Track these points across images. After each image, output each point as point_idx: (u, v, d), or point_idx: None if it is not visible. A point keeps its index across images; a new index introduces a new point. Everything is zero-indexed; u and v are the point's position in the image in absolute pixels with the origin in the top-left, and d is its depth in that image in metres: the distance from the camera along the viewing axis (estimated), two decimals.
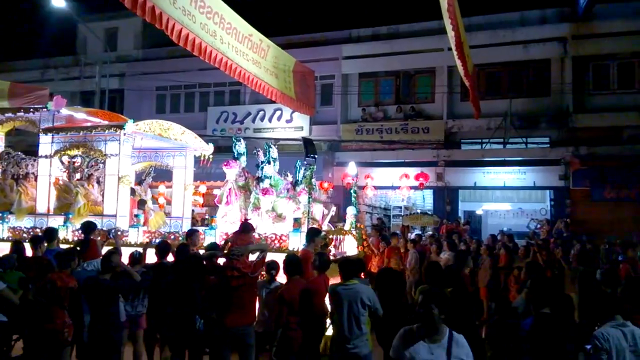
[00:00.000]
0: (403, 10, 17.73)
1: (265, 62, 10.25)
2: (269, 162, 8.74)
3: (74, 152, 9.01)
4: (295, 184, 9.10)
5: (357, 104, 18.20)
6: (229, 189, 8.38)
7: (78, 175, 9.41)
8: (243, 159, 8.67)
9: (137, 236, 8.09)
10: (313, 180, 9.13)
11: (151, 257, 6.46)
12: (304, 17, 19.43)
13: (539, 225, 14.47)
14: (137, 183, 10.43)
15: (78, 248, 6.33)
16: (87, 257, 6.24)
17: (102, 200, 8.89)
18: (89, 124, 9.00)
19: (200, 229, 8.14)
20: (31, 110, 9.03)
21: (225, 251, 5.56)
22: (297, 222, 7.58)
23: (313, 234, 6.87)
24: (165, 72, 19.01)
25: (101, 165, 9.39)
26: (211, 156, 10.49)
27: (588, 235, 12.42)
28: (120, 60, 20.51)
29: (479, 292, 9.70)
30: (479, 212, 17.57)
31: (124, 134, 8.54)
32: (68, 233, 8.35)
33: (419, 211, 16.55)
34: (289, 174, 9.35)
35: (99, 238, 7.61)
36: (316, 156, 9.22)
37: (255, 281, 5.34)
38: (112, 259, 5.36)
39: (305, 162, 9.12)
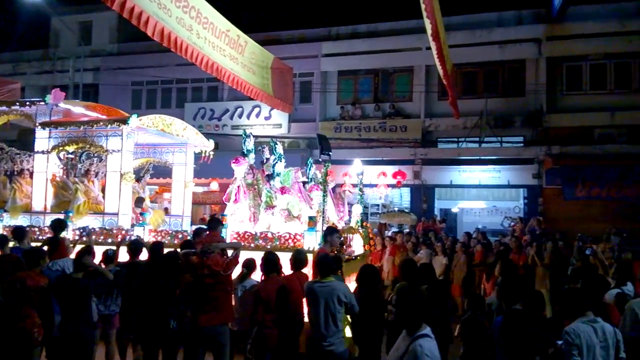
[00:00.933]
0: (382, 9, 17.77)
1: (242, 58, 10.15)
2: (279, 160, 8.52)
3: (73, 147, 8.63)
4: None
5: (335, 102, 18.23)
6: (238, 187, 8.11)
7: (73, 172, 9.11)
8: (252, 156, 8.41)
9: (143, 235, 7.75)
10: (328, 178, 8.91)
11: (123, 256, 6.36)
12: (283, 14, 19.32)
13: (512, 223, 14.75)
14: (135, 180, 10.19)
15: (46, 247, 6.15)
16: (55, 256, 6.07)
17: (103, 198, 8.58)
18: (85, 119, 8.66)
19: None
20: (27, 103, 8.66)
21: (197, 249, 5.50)
22: (312, 221, 7.28)
23: (329, 233, 6.82)
24: (142, 67, 18.72)
25: (96, 160, 9.06)
26: (212, 152, 10.22)
27: (560, 233, 12.71)
28: (94, 54, 20.10)
29: (454, 289, 9.87)
30: (454, 210, 17.83)
31: (129, 129, 8.25)
32: (69, 232, 7.94)
33: (396, 209, 16.73)
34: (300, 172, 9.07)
35: (71, 237, 7.43)
36: (331, 153, 9.05)
37: (228, 280, 5.27)
38: (84, 259, 5.26)
39: (320, 159, 8.92)
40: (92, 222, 8.29)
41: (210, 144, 10.22)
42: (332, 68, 18.05)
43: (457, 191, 17.32)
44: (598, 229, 13.05)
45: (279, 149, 8.67)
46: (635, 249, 10.90)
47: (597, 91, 15.65)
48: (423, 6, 8.43)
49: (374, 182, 16.79)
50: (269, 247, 7.01)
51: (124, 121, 8.15)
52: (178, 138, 9.56)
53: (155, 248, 6.06)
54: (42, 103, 8.47)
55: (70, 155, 9.16)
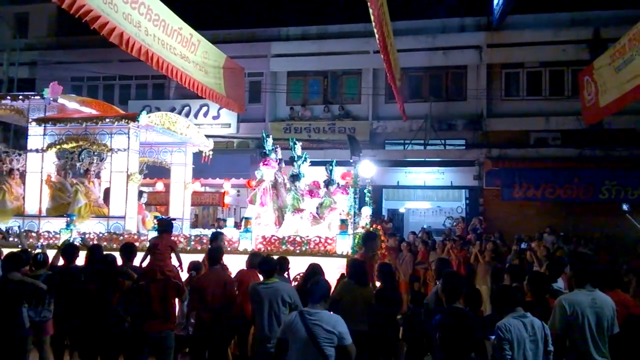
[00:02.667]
0: (332, 12, 17.97)
1: (195, 57, 9.99)
2: (305, 160, 8.26)
3: (71, 146, 8.04)
4: (328, 183, 8.45)
5: (285, 103, 18.22)
6: (264, 189, 7.81)
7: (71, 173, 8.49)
8: (273, 156, 8.13)
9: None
10: (359, 180, 8.61)
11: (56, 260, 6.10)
12: (233, 12, 19.10)
13: (454, 223, 15.32)
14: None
15: None
16: None
17: (104, 200, 8.06)
18: (81, 115, 8.10)
19: (226, 230, 7.54)
20: (20, 97, 8.02)
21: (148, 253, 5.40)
22: (344, 224, 7.00)
23: (369, 238, 6.54)
24: (82, 62, 17.91)
25: (97, 159, 8.49)
26: (211, 152, 9.81)
27: (499, 232, 13.34)
28: (31, 47, 19.03)
29: (401, 286, 10.14)
30: (401, 210, 18.28)
31: (138, 127, 7.77)
32: (72, 238, 7.36)
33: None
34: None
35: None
36: (361, 154, 8.82)
37: (176, 286, 5.20)
38: (10, 275, 5.01)
39: (351, 161, 8.67)
40: (96, 226, 7.75)
41: (210, 143, 9.80)
42: (282, 69, 18.03)
43: (403, 192, 17.77)
44: (534, 228, 13.83)
45: (298, 149, 8.41)
46: (569, 246, 11.64)
47: (533, 97, 16.47)
48: (371, 10, 8.61)
49: None
50: (297, 251, 6.73)
51: (134, 118, 7.65)
52: (181, 137, 9.09)
53: (93, 252, 5.86)
54: (37, 97, 7.86)
55: (72, 155, 8.52)
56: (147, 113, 7.92)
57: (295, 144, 8.38)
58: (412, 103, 16.62)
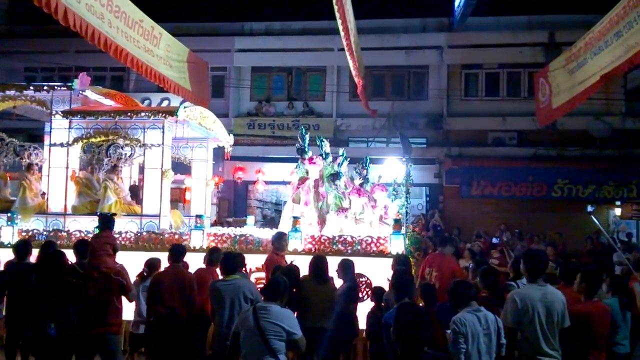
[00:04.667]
0: (297, 8, 17.91)
1: (158, 50, 9.77)
2: (345, 159, 8.06)
3: (99, 140, 7.61)
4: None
5: (249, 98, 18.08)
6: (308, 188, 7.60)
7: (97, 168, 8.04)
8: (310, 153, 7.94)
9: (202, 240, 7.00)
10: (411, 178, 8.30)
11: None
12: (195, 5, 18.75)
13: (415, 220, 15.62)
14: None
15: None
16: None
17: (134, 198, 7.72)
18: (105, 108, 7.69)
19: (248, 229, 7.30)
20: (44, 88, 7.54)
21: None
22: (397, 224, 6.81)
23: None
24: (36, 51, 17.22)
25: (125, 155, 8.05)
26: (231, 148, 9.50)
27: (458, 229, 13.73)
28: None
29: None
30: None
31: (176, 122, 7.44)
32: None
33: None
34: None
35: None
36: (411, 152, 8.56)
37: (118, 284, 4.98)
38: None
39: (403, 160, 8.43)
40: (128, 225, 7.40)
41: (231, 138, 9.49)
42: (246, 64, 17.87)
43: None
44: (491, 225, 14.31)
45: (326, 147, 8.21)
46: (523, 243, 12.10)
47: (491, 97, 16.95)
48: (336, 7, 8.65)
49: (287, 180, 16.88)
50: (349, 252, 6.52)
51: (172, 113, 7.29)
52: (208, 132, 8.72)
53: (45, 249, 5.66)
54: (62, 88, 7.44)
55: (95, 149, 8.06)
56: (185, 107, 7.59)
57: (322, 141, 8.21)
58: (375, 101, 16.80)
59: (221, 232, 7.55)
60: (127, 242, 7.06)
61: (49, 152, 7.82)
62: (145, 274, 5.81)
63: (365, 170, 8.55)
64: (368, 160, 8.44)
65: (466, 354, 3.69)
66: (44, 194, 8.03)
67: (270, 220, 14.94)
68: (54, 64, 17.52)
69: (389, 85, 17.72)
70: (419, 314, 3.05)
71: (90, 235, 6.95)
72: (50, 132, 7.73)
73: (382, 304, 5.11)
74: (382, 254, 6.57)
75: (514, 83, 17.08)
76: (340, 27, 9.20)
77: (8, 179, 8.34)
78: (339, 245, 6.72)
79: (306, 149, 8.04)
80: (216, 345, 4.84)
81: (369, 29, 16.78)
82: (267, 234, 7.49)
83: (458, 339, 3.69)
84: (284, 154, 17.10)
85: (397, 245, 6.64)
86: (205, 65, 13.02)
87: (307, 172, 7.97)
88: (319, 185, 7.78)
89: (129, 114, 7.50)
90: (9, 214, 7.39)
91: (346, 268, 5.45)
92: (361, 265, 5.91)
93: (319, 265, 5.22)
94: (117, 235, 6.97)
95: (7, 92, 7.67)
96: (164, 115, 7.41)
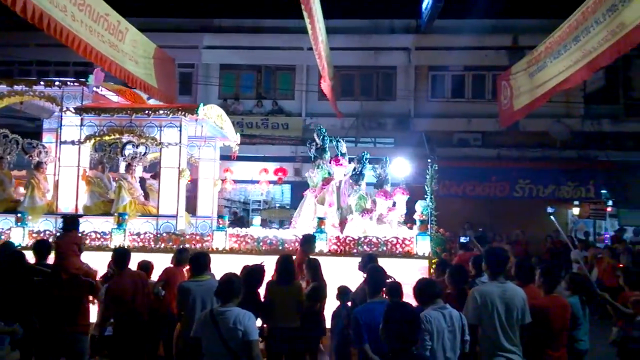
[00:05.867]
0: (267, 6, 17.81)
1: (123, 45, 9.52)
2: (367, 160, 8.00)
3: (112, 138, 7.45)
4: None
5: (217, 96, 17.88)
6: (332, 190, 7.54)
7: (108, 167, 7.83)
8: (328, 155, 7.87)
9: (225, 242, 6.81)
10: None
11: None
12: (162, 0, 18.39)
13: None
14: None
15: None
16: None
17: (147, 198, 7.55)
18: (116, 105, 7.54)
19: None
20: (56, 84, 7.24)
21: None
22: (424, 225, 6.77)
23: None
24: None
25: (140, 153, 7.86)
26: (238, 147, 9.32)
27: None
28: None
29: None
30: None
31: (196, 121, 7.25)
32: (126, 239, 6.74)
33: (277, 205, 16.96)
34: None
35: None
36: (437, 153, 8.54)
37: (87, 284, 4.95)
38: None
39: (429, 160, 8.34)
40: (143, 225, 7.18)
41: (237, 137, 9.29)
42: (214, 61, 17.68)
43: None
44: (456, 224, 14.61)
45: (343, 147, 8.07)
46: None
47: (457, 99, 17.34)
48: (303, 6, 8.67)
49: (256, 179, 16.84)
50: (374, 253, 6.36)
51: (192, 111, 7.10)
52: (220, 131, 8.54)
53: (2, 249, 5.48)
54: (75, 84, 7.21)
55: (107, 147, 7.86)
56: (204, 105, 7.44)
57: (339, 142, 8.10)
58: (344, 101, 16.91)
59: (243, 233, 7.44)
60: (146, 243, 6.92)
61: (57, 149, 7.57)
62: (109, 275, 5.68)
63: (383, 171, 8.59)
64: (388, 161, 8.39)
65: (431, 351, 3.78)
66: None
67: (239, 219, 14.81)
68: (12, 58, 16.88)
69: (357, 85, 17.87)
70: (410, 314, 3.07)
71: (109, 237, 6.93)
72: (60, 129, 7.49)
73: (349, 302, 5.17)
74: (408, 255, 6.57)
75: (479, 85, 17.50)
76: (308, 26, 9.21)
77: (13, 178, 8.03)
78: (365, 247, 6.70)
79: (326, 149, 7.93)
80: (181, 345, 4.79)
81: (339, 29, 16.86)
82: (285, 234, 7.43)
83: (424, 336, 3.77)
84: (253, 152, 17.04)
85: (424, 246, 6.63)
86: (172, 61, 12.80)
87: (329, 173, 7.95)
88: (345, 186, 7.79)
89: (147, 111, 7.30)
90: (18, 214, 7.09)
91: (312, 268, 5.47)
92: (386, 266, 5.95)
93: (284, 266, 5.17)
94: (135, 236, 6.95)
95: (16, 87, 7.39)
96: (183, 113, 7.25)
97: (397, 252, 6.67)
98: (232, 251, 6.85)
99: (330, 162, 7.98)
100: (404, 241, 6.77)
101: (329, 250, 6.77)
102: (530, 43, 13.79)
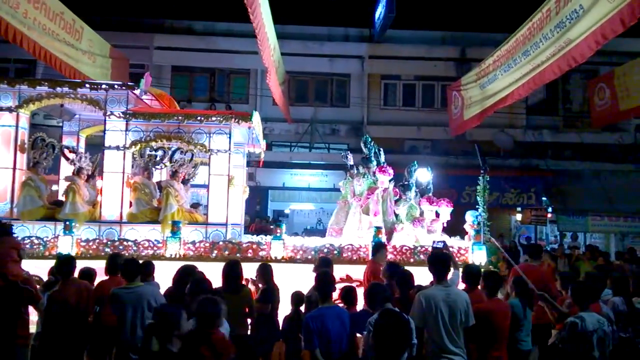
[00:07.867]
0: (220, 8, 17.65)
1: (80, 45, 9.25)
2: (415, 170, 7.99)
3: (158, 144, 7.13)
4: (406, 188, 7.97)
5: None
6: (377, 199, 7.43)
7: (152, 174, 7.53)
8: (374, 163, 7.81)
9: (282, 251, 6.64)
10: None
11: None
12: None
13: None
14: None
15: None
16: None
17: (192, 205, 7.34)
18: (165, 110, 7.37)
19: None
20: (102, 87, 6.84)
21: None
22: (478, 235, 6.74)
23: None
24: None
25: (187, 160, 7.61)
26: (263, 153, 9.14)
27: None
28: None
29: None
30: (286, 211, 18.57)
31: (249, 128, 7.06)
32: (180, 248, 6.50)
33: None
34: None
35: None
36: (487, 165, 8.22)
37: (26, 293, 4.70)
38: None
39: (482, 171, 8.09)
40: (192, 234, 6.92)
41: (263, 143, 9.08)
42: (166, 62, 17.34)
43: (289, 193, 18.07)
44: None
45: (382, 156, 8.08)
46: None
47: (408, 108, 17.82)
48: (250, 9, 8.65)
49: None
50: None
51: (246, 118, 6.91)
52: (256, 137, 8.29)
53: None
54: (122, 88, 6.90)
55: (154, 153, 7.45)
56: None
57: (380, 150, 8.19)
58: (298, 107, 17.01)
59: (300, 242, 7.32)
60: (202, 251, 6.76)
61: (103, 155, 7.26)
62: (51, 281, 5.43)
63: (409, 176, 8.55)
64: (416, 167, 8.43)
65: None
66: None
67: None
68: None
69: (311, 92, 18.01)
70: (401, 322, 3.11)
71: (162, 245, 6.75)
72: (105, 134, 7.15)
73: (301, 308, 5.20)
74: (464, 263, 6.49)
75: (429, 95, 18.07)
76: (254, 25, 9.21)
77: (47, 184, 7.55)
78: (421, 256, 6.75)
79: (371, 158, 7.96)
80: (119, 355, 4.62)
81: (293, 35, 16.97)
82: (336, 242, 7.35)
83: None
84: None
85: (480, 256, 6.73)
86: (126, 61, 12.51)
87: (374, 182, 7.96)
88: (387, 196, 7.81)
89: (199, 117, 7.08)
90: (66, 222, 6.72)
91: (264, 272, 5.47)
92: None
93: (229, 273, 5.07)
94: (190, 245, 6.80)
95: (58, 89, 6.97)
96: (236, 120, 7.08)
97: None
98: (290, 260, 6.79)
99: (374, 172, 8.05)
100: (459, 251, 6.86)
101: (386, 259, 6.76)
102: (477, 56, 14.39)
